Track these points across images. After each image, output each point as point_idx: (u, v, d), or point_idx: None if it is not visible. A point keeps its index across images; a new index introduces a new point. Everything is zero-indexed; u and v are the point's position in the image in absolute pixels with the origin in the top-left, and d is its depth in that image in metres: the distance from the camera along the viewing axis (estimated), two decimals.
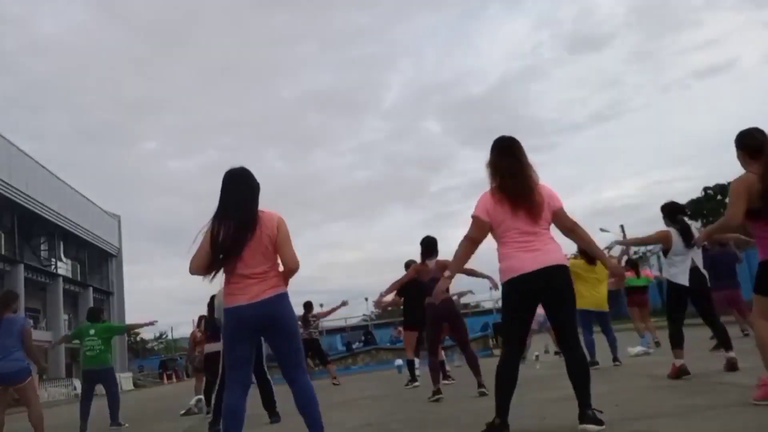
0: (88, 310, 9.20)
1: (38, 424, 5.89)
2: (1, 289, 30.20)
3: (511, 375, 3.43)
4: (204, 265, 3.31)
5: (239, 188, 3.36)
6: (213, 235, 3.27)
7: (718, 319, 5.82)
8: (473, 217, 3.54)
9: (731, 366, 5.28)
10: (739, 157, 3.80)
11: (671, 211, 5.86)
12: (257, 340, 3.51)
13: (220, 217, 3.31)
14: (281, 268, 3.38)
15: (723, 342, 5.55)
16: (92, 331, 7.82)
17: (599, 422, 3.22)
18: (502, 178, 3.49)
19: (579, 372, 3.37)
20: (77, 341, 8.01)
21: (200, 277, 3.33)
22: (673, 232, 5.70)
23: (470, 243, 3.60)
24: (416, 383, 8.03)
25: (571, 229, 3.60)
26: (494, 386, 3.47)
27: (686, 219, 5.88)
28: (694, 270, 5.56)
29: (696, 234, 5.70)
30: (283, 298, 3.32)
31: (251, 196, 3.37)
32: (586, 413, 3.24)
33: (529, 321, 3.58)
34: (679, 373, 5.32)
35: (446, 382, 8.25)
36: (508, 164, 3.51)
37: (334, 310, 11.94)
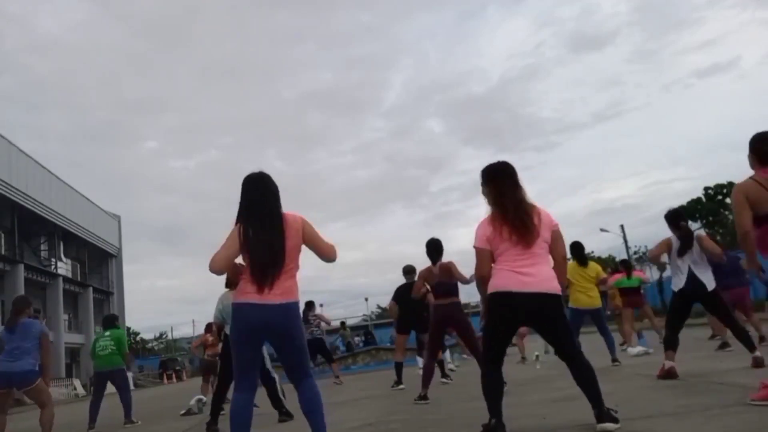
0: (106, 317, 9.67)
1: (47, 425, 5.91)
2: (1, 290, 30.22)
3: (495, 386, 3.50)
4: (227, 266, 3.29)
5: (263, 192, 3.34)
6: (245, 239, 3.24)
7: (736, 321, 5.84)
8: (476, 249, 3.59)
9: (757, 364, 5.28)
10: (749, 158, 3.78)
11: (673, 217, 5.88)
12: (263, 342, 3.49)
13: (247, 221, 3.28)
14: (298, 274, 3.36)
15: (745, 344, 5.56)
16: (107, 333, 8.46)
17: (616, 420, 3.29)
18: (501, 207, 3.54)
19: (585, 378, 3.41)
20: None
21: (216, 274, 3.29)
22: (673, 239, 5.72)
23: (484, 282, 3.60)
24: (401, 386, 8.07)
25: (560, 257, 3.62)
26: (482, 394, 3.52)
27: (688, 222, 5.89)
28: (690, 277, 5.57)
29: (695, 242, 5.71)
30: (295, 306, 3.31)
31: (275, 199, 3.37)
32: (603, 412, 3.31)
33: (508, 336, 3.62)
34: (667, 375, 5.33)
35: (445, 381, 8.27)
36: (505, 193, 3.56)
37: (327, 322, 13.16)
